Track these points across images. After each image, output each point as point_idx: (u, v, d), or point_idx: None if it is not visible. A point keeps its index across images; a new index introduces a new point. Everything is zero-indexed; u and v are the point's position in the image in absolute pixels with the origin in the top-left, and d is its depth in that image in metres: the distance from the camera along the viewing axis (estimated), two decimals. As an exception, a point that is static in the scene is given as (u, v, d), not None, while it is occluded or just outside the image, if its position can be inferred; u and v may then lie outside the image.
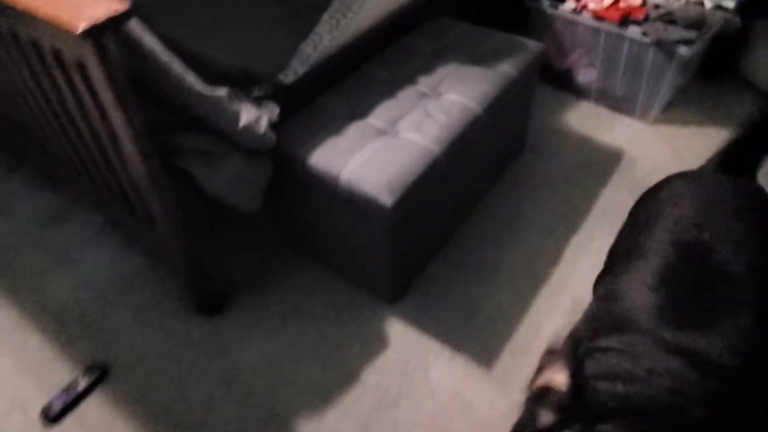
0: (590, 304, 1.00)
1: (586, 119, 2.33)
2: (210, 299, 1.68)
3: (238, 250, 1.84)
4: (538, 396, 0.71)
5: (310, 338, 1.61)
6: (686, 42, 2.06)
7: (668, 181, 1.13)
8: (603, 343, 0.83)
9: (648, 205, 1.11)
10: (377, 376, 1.52)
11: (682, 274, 0.92)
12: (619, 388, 0.72)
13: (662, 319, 0.84)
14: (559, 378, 0.69)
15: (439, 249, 1.83)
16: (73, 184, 1.84)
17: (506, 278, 1.75)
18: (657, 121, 2.31)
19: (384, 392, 1.49)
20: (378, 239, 1.54)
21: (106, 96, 1.21)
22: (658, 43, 2.07)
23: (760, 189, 1.10)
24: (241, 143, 1.42)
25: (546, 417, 0.69)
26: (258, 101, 1.49)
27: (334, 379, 1.51)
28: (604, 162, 2.14)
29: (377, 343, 1.59)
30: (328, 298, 1.70)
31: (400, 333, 1.61)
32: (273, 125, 1.49)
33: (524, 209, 1.97)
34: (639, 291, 0.91)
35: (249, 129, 1.40)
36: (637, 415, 0.69)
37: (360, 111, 1.64)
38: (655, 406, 0.71)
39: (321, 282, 1.74)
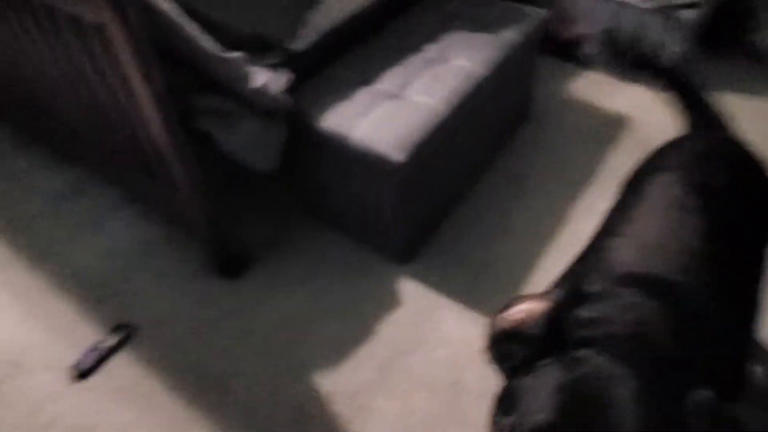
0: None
1: (591, 88, 2.36)
2: (229, 262, 1.73)
3: (253, 215, 1.90)
4: (508, 335, 0.72)
5: (326, 297, 1.67)
6: (690, 6, 2.09)
7: (654, 153, 1.17)
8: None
9: (636, 175, 1.15)
10: (391, 329, 1.57)
11: (654, 229, 0.96)
12: (589, 318, 0.75)
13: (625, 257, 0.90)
14: (530, 308, 0.71)
15: (449, 212, 1.88)
16: (89, 157, 1.90)
17: (514, 238, 1.79)
18: (662, 88, 2.33)
19: (398, 343, 1.54)
20: (389, 198, 1.59)
21: (127, 58, 1.27)
22: (662, 9, 2.11)
23: (734, 140, 1.16)
24: (256, 105, 1.47)
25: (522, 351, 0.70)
26: (271, 67, 1.54)
27: (350, 332, 1.57)
28: (611, 128, 2.17)
29: (390, 300, 1.64)
30: (342, 260, 1.76)
31: (412, 290, 1.67)
32: (286, 90, 1.54)
33: (532, 173, 2.01)
34: (619, 247, 0.94)
35: (262, 91, 1.45)
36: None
37: (370, 77, 1.69)
38: (620, 337, 0.73)
39: (334, 245, 1.80)
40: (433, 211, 1.81)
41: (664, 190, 1.01)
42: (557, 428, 0.61)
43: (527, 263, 1.72)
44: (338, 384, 1.47)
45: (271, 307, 1.65)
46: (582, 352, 0.67)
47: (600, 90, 2.35)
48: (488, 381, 1.45)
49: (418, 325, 1.59)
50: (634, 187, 1.09)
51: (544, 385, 0.65)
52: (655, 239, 0.92)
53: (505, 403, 0.70)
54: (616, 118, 2.21)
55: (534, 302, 0.71)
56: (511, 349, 0.72)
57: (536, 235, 1.80)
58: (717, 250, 0.91)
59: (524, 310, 0.71)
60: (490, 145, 2.03)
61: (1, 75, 1.91)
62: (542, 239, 1.79)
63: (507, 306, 0.73)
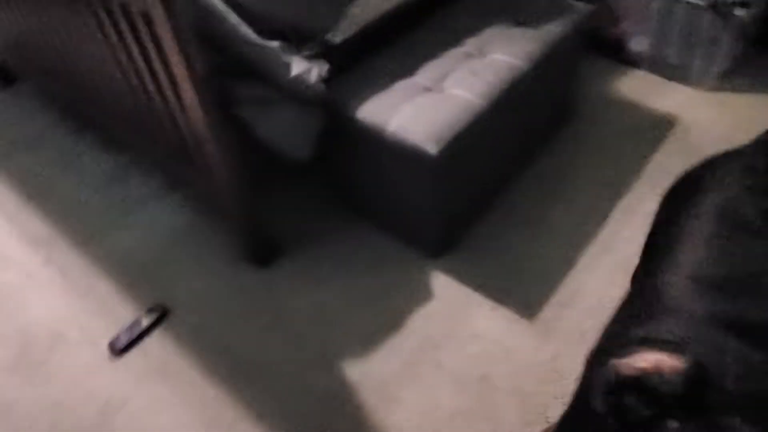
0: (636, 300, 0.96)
1: (638, 87, 2.30)
2: (263, 250, 1.76)
3: (287, 205, 1.92)
4: (632, 385, 0.62)
5: (358, 288, 1.67)
6: (744, 4, 2.01)
7: (704, 166, 1.07)
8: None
9: (683, 192, 1.05)
10: (422, 322, 1.57)
11: (723, 256, 0.88)
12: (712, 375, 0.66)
13: (711, 300, 0.82)
14: (659, 359, 0.62)
15: (486, 207, 1.85)
16: (134, 143, 1.95)
17: (552, 237, 1.76)
18: (713, 88, 2.25)
19: (428, 336, 1.53)
20: (424, 191, 1.58)
21: (169, 44, 1.30)
22: (714, 6, 2.03)
23: None
24: (294, 93, 1.49)
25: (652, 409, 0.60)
26: (308, 57, 1.56)
27: (381, 324, 1.57)
28: (657, 128, 2.11)
29: (423, 293, 1.64)
30: (376, 252, 1.76)
31: (445, 284, 1.66)
32: (323, 81, 1.55)
33: (574, 172, 1.97)
34: (681, 281, 0.86)
35: (299, 79, 1.47)
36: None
37: (407, 70, 1.68)
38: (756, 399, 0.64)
39: (368, 237, 1.80)
40: (469, 206, 1.79)
41: (729, 210, 0.92)
42: None
43: (564, 262, 1.69)
44: (366, 374, 1.47)
45: (303, 296, 1.67)
46: (725, 421, 0.58)
47: (647, 89, 2.28)
48: (518, 378, 1.44)
49: (450, 319, 1.57)
50: (692, 206, 0.98)
51: None
52: (730, 270, 0.82)
53: None
54: (663, 118, 2.15)
55: (662, 355, 0.62)
56: (632, 402, 0.62)
57: (575, 234, 1.76)
58: None
59: (652, 360, 0.62)
60: (531, 142, 2.00)
61: (50, 61, 1.99)
62: (581, 238, 1.75)
63: (628, 352, 0.64)
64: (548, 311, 1.56)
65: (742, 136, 1.13)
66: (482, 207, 1.85)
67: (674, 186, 1.09)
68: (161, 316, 1.63)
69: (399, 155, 1.52)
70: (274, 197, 1.93)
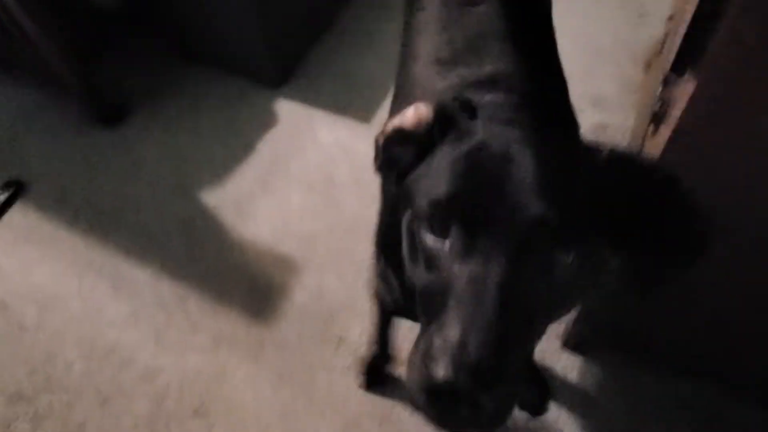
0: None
1: None
2: (108, 111, 1.78)
3: (127, 65, 1.91)
4: (398, 138, 0.67)
5: (207, 127, 1.75)
6: None
7: None
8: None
9: None
10: (270, 144, 1.68)
11: (448, 35, 0.99)
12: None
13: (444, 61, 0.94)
14: (418, 112, 0.67)
15: (316, 36, 1.92)
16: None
17: (381, 53, 1.87)
18: None
19: (276, 154, 1.66)
20: (247, 19, 1.62)
21: None
22: None
23: None
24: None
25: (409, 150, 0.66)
26: None
27: (232, 153, 1.68)
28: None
29: (268, 120, 1.73)
30: (220, 93, 1.82)
31: (288, 108, 1.76)
32: None
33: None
34: (424, 67, 0.97)
35: None
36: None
37: None
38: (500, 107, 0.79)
39: (212, 81, 1.85)
40: (298, 35, 1.84)
41: None
42: (459, 197, 0.56)
43: (391, 76, 1.80)
44: (223, 197, 1.59)
45: (155, 144, 1.73)
46: (469, 125, 0.64)
47: None
48: (357, 173, 1.59)
49: (295, 136, 1.69)
50: (417, 2, 1.11)
51: (437, 164, 0.61)
52: (454, 45, 0.94)
53: (402, 202, 0.65)
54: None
55: (419, 108, 0.67)
56: (400, 152, 0.67)
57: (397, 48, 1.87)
58: (516, 28, 0.97)
59: (412, 114, 0.66)
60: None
61: None
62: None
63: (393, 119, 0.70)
64: (382, 113, 1.70)
65: None
66: (313, 35, 1.91)
67: None
68: (17, 189, 1.66)
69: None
70: (114, 58, 1.91)
